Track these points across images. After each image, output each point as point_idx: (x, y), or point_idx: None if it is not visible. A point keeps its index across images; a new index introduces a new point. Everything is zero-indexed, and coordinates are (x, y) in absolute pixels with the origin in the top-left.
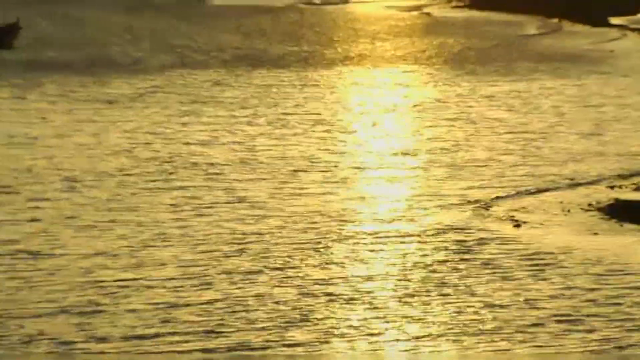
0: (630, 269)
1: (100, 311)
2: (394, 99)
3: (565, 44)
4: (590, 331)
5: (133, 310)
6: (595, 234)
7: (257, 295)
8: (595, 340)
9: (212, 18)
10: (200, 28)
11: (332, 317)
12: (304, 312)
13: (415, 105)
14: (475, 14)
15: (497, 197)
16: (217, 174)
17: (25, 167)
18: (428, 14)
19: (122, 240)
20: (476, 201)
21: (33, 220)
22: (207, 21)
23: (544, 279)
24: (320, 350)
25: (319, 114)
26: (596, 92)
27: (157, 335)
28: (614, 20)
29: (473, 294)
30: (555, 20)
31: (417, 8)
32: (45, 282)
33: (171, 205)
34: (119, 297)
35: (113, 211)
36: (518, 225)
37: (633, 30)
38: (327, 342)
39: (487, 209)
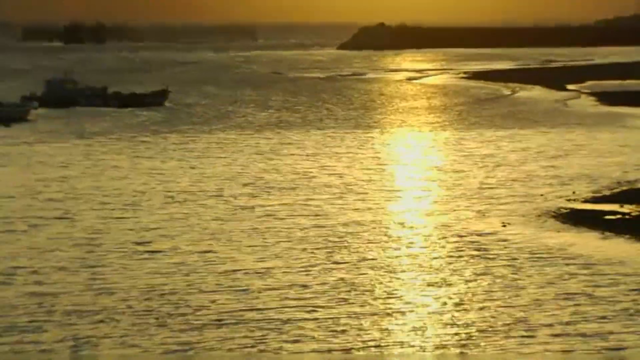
0: (585, 259)
1: (245, 289)
2: (421, 142)
3: (537, 102)
4: (571, 301)
5: (267, 289)
6: (559, 231)
7: (354, 277)
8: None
9: (313, 90)
10: (295, 96)
11: (413, 289)
12: (390, 288)
13: (433, 147)
14: (473, 83)
15: (492, 209)
16: (290, 194)
17: (147, 188)
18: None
19: (240, 240)
20: (479, 212)
21: (160, 227)
22: (302, 93)
23: (537, 266)
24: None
25: (363, 154)
26: (557, 136)
27: (285, 306)
28: (570, 87)
29: (490, 274)
30: (530, 85)
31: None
32: (193, 271)
33: (266, 215)
34: (254, 279)
35: (221, 221)
36: (504, 226)
37: (583, 93)
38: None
39: (487, 216)
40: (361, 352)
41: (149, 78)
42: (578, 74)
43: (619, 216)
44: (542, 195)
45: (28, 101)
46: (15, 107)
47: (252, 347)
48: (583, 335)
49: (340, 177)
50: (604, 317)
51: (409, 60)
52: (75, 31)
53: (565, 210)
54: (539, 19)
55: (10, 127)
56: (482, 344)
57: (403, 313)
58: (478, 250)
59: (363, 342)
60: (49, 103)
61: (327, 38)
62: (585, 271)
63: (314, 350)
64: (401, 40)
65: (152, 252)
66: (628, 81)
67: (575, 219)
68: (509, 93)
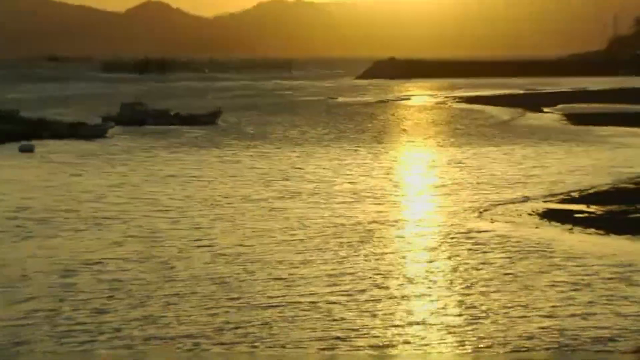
0: (557, 249)
1: (287, 278)
2: (423, 155)
3: (517, 123)
4: (554, 284)
5: (308, 277)
6: (537, 227)
7: (379, 267)
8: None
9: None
10: (323, 117)
11: (420, 273)
12: (408, 275)
13: (436, 159)
14: (468, 106)
15: (483, 209)
16: (314, 199)
17: (196, 193)
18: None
19: (278, 236)
20: (471, 209)
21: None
22: (333, 114)
23: (521, 254)
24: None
25: (378, 164)
26: (532, 150)
27: (323, 292)
28: (546, 109)
29: (486, 263)
30: (515, 109)
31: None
32: (243, 262)
33: (298, 216)
34: (295, 269)
35: (261, 221)
36: (492, 222)
37: (557, 114)
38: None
39: (478, 215)
40: (381, 332)
41: (203, 101)
42: (552, 99)
43: (585, 214)
44: (525, 196)
45: (106, 121)
46: (97, 126)
47: (294, 325)
48: (572, 316)
49: (359, 184)
50: (589, 302)
51: (417, 87)
52: (144, 65)
53: (542, 210)
54: (521, 54)
55: (91, 143)
56: (486, 322)
57: (420, 296)
58: (475, 244)
59: (384, 321)
60: (123, 122)
61: (346, 69)
62: (562, 260)
63: (346, 329)
64: (408, 71)
65: (206, 246)
66: (594, 105)
67: (550, 216)
68: (496, 115)
